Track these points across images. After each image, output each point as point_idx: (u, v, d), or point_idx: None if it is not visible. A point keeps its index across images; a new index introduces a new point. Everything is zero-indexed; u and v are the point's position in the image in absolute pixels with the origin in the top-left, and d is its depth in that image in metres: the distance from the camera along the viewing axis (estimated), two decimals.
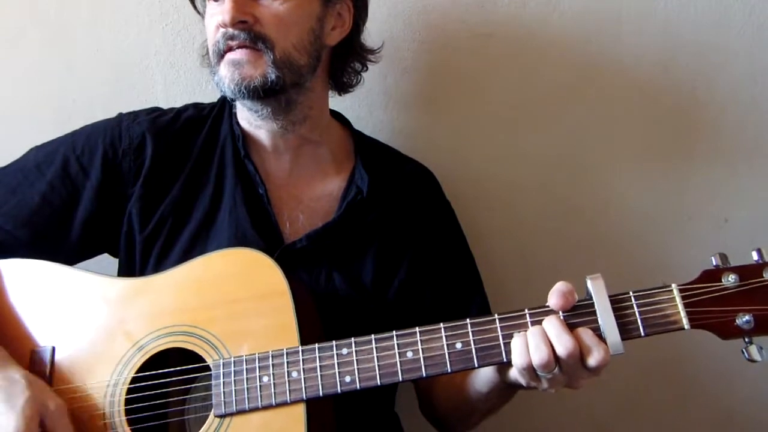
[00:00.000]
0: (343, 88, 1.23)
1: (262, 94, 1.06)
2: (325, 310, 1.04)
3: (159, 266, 1.10)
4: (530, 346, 0.87)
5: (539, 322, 0.89)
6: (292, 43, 1.07)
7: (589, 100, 1.43)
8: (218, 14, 1.06)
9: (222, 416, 0.96)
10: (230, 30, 1.05)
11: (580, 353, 0.86)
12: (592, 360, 0.85)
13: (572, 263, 1.42)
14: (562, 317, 0.89)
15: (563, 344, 0.85)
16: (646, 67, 1.41)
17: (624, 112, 1.43)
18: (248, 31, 1.04)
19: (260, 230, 1.10)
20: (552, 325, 0.87)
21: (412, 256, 1.16)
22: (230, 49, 1.06)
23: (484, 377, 1.01)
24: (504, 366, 0.94)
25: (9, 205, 1.12)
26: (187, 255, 1.08)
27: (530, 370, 0.87)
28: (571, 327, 0.88)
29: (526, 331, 0.89)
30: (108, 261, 1.18)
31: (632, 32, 1.40)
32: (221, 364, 0.97)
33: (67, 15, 1.39)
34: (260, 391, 0.95)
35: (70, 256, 1.12)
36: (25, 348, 1.03)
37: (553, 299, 0.90)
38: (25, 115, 1.40)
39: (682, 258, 1.43)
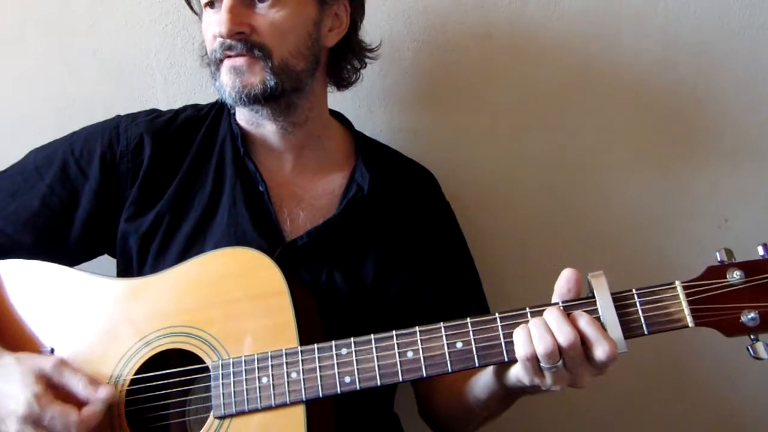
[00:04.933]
0: (341, 84, 1.23)
1: (263, 101, 1.07)
2: (325, 310, 1.04)
3: (156, 266, 1.09)
4: (533, 336, 0.86)
5: None
6: (290, 51, 1.07)
7: (589, 100, 1.43)
8: (215, 24, 1.06)
9: (221, 417, 0.95)
10: (227, 41, 1.05)
11: (586, 346, 0.86)
12: (600, 353, 0.85)
13: (572, 263, 1.39)
14: (561, 307, 0.89)
15: (564, 334, 0.85)
16: (646, 67, 1.41)
17: (624, 112, 1.43)
18: (245, 41, 1.04)
19: (260, 228, 1.10)
20: (552, 316, 0.87)
21: (412, 256, 1.16)
22: (228, 57, 1.06)
23: (483, 383, 1.00)
24: (504, 370, 0.94)
25: (9, 209, 1.12)
26: (184, 254, 1.08)
27: (534, 361, 0.87)
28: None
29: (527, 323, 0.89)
30: (108, 261, 1.18)
31: (632, 32, 1.40)
32: (220, 365, 0.96)
33: (67, 15, 1.39)
34: (259, 392, 0.94)
35: (71, 258, 1.12)
36: (25, 350, 1.02)
37: (561, 282, 0.90)
38: (25, 115, 1.40)
39: (682, 258, 1.43)
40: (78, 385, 0.95)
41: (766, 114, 1.42)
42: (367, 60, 1.23)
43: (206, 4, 1.09)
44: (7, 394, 0.93)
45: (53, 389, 0.94)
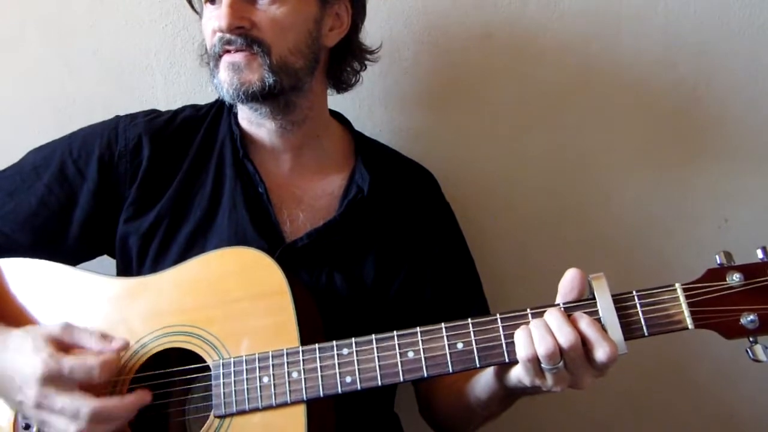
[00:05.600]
0: (341, 86, 1.23)
1: (261, 98, 1.07)
2: (325, 310, 1.04)
3: (156, 266, 1.09)
4: (534, 338, 0.86)
5: None
6: (289, 48, 1.07)
7: (589, 100, 1.43)
8: (215, 19, 1.06)
9: (222, 417, 0.95)
10: (227, 35, 1.05)
11: (587, 347, 0.86)
12: (601, 354, 0.85)
13: (572, 264, 1.39)
14: (562, 308, 0.89)
15: (565, 335, 0.85)
16: (646, 67, 1.41)
17: (624, 112, 1.43)
18: (245, 36, 1.04)
19: (260, 229, 1.10)
20: (553, 317, 0.87)
21: (412, 257, 1.16)
22: (227, 52, 1.06)
23: (484, 383, 1.00)
24: (505, 370, 0.94)
25: (7, 209, 1.12)
26: (184, 255, 1.07)
27: (535, 362, 0.87)
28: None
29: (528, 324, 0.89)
30: (108, 261, 1.18)
31: (632, 32, 1.40)
32: (221, 364, 0.97)
33: (67, 15, 1.38)
34: (260, 392, 0.94)
35: (69, 258, 1.12)
36: None
37: (565, 282, 0.90)
38: (25, 115, 1.40)
39: (682, 258, 1.43)
40: (91, 340, 0.96)
41: (766, 114, 1.42)
42: (366, 62, 1.23)
43: (207, 1, 1.10)
44: (20, 362, 0.93)
45: (65, 350, 0.94)
